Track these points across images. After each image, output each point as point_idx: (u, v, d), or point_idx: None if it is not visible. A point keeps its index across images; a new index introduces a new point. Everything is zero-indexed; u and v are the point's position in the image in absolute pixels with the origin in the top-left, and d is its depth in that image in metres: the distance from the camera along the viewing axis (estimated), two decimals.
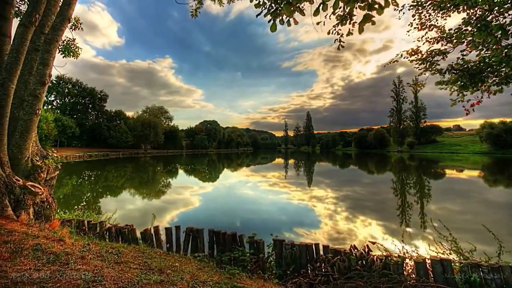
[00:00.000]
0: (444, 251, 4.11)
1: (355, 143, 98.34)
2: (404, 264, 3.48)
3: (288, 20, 3.48)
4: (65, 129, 41.35)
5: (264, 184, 17.57)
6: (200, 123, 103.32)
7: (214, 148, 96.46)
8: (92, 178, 20.43)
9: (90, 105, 63.43)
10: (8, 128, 3.38)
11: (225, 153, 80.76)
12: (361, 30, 2.26)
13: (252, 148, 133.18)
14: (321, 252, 4.05)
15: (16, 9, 6.67)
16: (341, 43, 4.26)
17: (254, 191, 15.18)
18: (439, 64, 6.74)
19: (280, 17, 4.51)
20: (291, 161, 47.10)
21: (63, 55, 7.55)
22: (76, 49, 7.04)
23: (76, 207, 10.41)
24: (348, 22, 4.09)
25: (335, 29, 4.25)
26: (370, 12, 2.21)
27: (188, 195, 13.69)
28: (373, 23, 2.53)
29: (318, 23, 4.33)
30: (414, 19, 6.96)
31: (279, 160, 50.60)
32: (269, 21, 4.63)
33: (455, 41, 5.06)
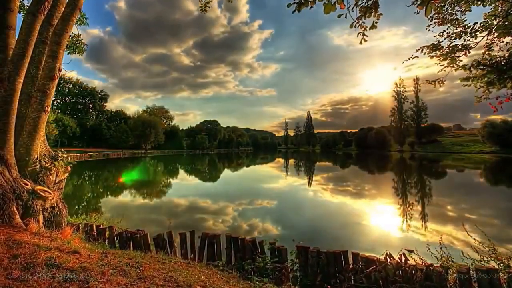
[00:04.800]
0: (482, 258, 3.83)
1: (356, 143, 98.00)
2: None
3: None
4: (65, 129, 41.04)
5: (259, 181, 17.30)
6: (200, 123, 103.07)
7: (215, 148, 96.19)
8: (93, 179, 20.13)
9: (91, 105, 63.15)
10: (14, 127, 3.08)
11: (226, 153, 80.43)
12: (428, 12, 1.97)
13: (252, 148, 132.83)
14: (350, 261, 3.76)
15: (19, 3, 6.37)
16: (364, 36, 3.98)
17: (252, 187, 14.91)
18: (461, 60, 6.48)
19: (305, 6, 4.20)
20: (291, 161, 46.80)
21: (68, 51, 7.25)
22: (82, 45, 6.74)
23: (76, 207, 10.14)
24: (372, 14, 3.82)
25: (358, 22, 3.97)
26: None
27: (190, 196, 13.40)
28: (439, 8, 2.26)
29: (339, 16, 4.04)
30: (435, 13, 6.68)
31: (279, 160, 50.29)
32: (293, 11, 4.34)
33: (500, 31, 4.76)
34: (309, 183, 18.32)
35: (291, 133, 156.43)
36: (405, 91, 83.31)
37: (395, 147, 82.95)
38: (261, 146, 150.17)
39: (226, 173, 27.86)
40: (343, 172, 27.41)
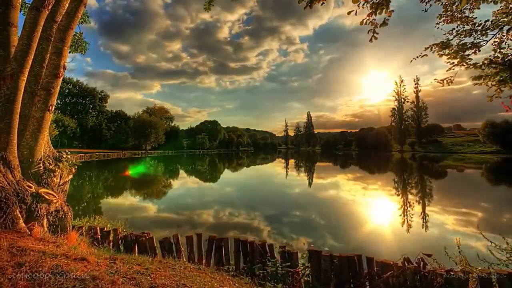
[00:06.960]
0: (500, 261, 3.71)
1: (356, 143, 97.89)
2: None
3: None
4: (65, 130, 40.91)
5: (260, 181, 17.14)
6: (200, 123, 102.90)
7: (215, 148, 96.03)
8: (93, 179, 19.98)
9: (91, 106, 62.99)
10: (17, 126, 2.94)
11: (226, 154, 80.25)
12: (463, 3, 1.84)
13: (253, 148, 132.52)
14: (364, 265, 3.63)
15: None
16: (375, 34, 3.87)
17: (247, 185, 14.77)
18: (471, 59, 6.35)
19: (316, 2, 4.08)
20: (291, 162, 46.64)
21: (69, 50, 7.13)
22: (84, 44, 6.61)
23: (76, 207, 10.01)
24: (384, 11, 3.70)
25: (368, 19, 3.86)
26: None
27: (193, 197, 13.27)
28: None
29: (349, 13, 3.92)
30: (444, 11, 6.55)
31: (280, 160, 50.14)
32: (305, 7, 4.22)
33: None
34: (310, 184, 18.21)
35: (291, 133, 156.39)
36: (405, 90, 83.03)
37: (395, 147, 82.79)
38: (261, 146, 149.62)
39: (228, 173, 27.75)
40: (344, 172, 27.28)
